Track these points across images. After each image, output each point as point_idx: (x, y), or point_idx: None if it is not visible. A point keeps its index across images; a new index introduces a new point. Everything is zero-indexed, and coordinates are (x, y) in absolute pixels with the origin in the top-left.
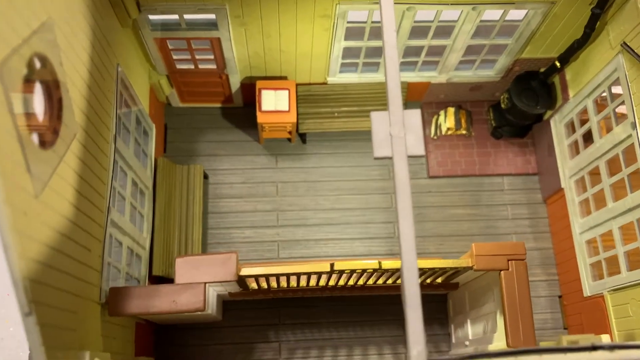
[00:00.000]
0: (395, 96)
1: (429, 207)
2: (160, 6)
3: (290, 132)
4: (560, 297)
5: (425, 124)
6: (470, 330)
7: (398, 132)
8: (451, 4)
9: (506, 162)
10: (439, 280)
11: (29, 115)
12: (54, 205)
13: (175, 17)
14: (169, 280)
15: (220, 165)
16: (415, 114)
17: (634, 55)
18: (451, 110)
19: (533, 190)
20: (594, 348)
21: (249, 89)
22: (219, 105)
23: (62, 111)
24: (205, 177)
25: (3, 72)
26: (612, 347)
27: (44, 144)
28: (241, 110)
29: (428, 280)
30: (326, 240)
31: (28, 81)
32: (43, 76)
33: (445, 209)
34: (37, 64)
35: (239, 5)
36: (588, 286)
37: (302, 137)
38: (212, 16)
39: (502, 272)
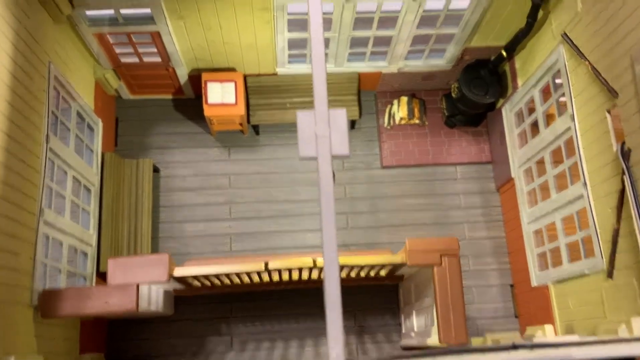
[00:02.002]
0: (321, 95)
1: (382, 198)
2: (93, 1)
3: (241, 124)
4: (512, 285)
5: (379, 113)
6: (415, 322)
7: (323, 131)
8: None
9: (460, 150)
10: (383, 273)
11: None
12: None
13: (112, 12)
14: None
15: (172, 158)
16: (341, 114)
17: (573, 46)
18: (404, 99)
19: (486, 179)
20: (514, 347)
21: (198, 81)
22: (169, 97)
23: None
24: (156, 170)
25: None
26: (532, 347)
27: None
28: (192, 102)
29: (372, 274)
30: (280, 232)
31: None
32: None
33: (399, 199)
34: None
35: None
36: (535, 276)
37: (256, 128)
38: (147, 10)
39: (434, 267)
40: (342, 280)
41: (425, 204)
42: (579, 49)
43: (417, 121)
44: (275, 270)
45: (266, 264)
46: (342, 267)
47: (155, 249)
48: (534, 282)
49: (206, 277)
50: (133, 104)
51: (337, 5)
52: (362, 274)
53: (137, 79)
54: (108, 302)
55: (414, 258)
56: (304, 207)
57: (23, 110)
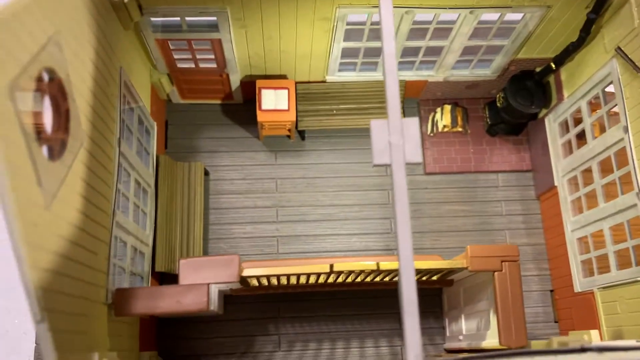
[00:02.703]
0: (394, 106)
1: (425, 203)
2: (162, 9)
3: (289, 130)
4: (552, 291)
5: (422, 120)
6: (464, 325)
7: (397, 140)
8: (449, 8)
9: (501, 159)
10: (435, 277)
11: (39, 129)
12: (63, 214)
13: (177, 19)
14: (171, 275)
15: (221, 161)
16: (413, 123)
17: (628, 60)
18: (447, 107)
19: (527, 187)
20: (582, 350)
21: (249, 87)
22: (219, 101)
23: (70, 122)
24: (206, 173)
25: (14, 91)
26: (600, 349)
27: (52, 156)
28: (241, 107)
29: (424, 278)
30: (324, 235)
31: (37, 96)
32: (51, 89)
33: (441, 205)
34: (46, 78)
35: (240, 9)
36: (579, 282)
37: (301, 134)
38: (213, 18)
39: (495, 273)
40: (392, 284)
41: (467, 211)
42: (634, 63)
43: (460, 129)
44: (338, 272)
45: (331, 266)
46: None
47: (205, 250)
48: (578, 288)
49: (269, 277)
50: (182, 108)
51: (396, 15)
52: (416, 277)
53: (190, 83)
54: (180, 302)
55: (476, 264)
56: (348, 212)
57: (102, 114)
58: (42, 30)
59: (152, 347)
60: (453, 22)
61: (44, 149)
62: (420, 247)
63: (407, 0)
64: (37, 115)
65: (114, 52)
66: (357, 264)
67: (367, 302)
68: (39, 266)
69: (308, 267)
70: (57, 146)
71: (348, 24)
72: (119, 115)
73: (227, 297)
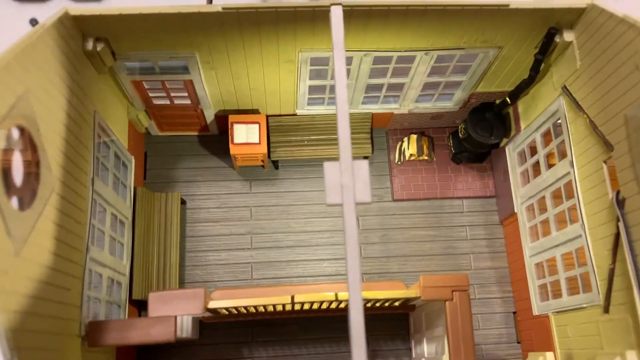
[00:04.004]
0: (345, 147)
1: (393, 229)
2: (133, 55)
3: (262, 161)
4: (514, 313)
5: (390, 149)
6: (426, 349)
7: (348, 181)
8: (404, 50)
9: (465, 185)
10: (397, 303)
11: (8, 183)
12: (34, 258)
13: (150, 63)
14: (147, 303)
15: (198, 190)
16: (363, 165)
17: (572, 99)
18: (414, 137)
19: (491, 212)
20: None
21: (224, 120)
22: (195, 133)
23: (40, 171)
24: (183, 202)
25: None
26: None
27: (22, 206)
28: (217, 138)
29: (387, 304)
30: (297, 261)
31: (7, 152)
32: (21, 144)
33: (408, 230)
34: (16, 135)
35: (208, 53)
36: (536, 306)
37: (275, 163)
38: (183, 63)
39: (447, 302)
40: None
41: (433, 235)
42: (577, 103)
43: (425, 157)
44: (299, 303)
45: (292, 297)
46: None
47: (182, 277)
48: (536, 311)
49: (235, 307)
50: (161, 140)
51: (356, 58)
52: (378, 304)
53: (167, 118)
54: (149, 333)
55: (428, 293)
56: (319, 238)
57: (74, 158)
58: (12, 92)
59: None
60: (411, 61)
61: (14, 200)
62: (387, 271)
63: (364, 44)
64: (6, 170)
65: (88, 96)
66: (316, 294)
67: (336, 325)
68: (9, 309)
69: (271, 299)
70: (27, 196)
71: (312, 64)
72: (93, 155)
73: (203, 323)
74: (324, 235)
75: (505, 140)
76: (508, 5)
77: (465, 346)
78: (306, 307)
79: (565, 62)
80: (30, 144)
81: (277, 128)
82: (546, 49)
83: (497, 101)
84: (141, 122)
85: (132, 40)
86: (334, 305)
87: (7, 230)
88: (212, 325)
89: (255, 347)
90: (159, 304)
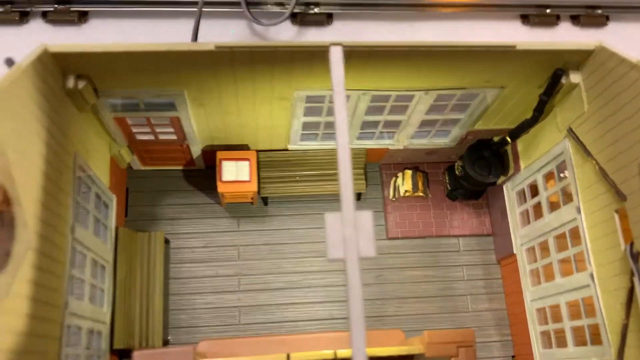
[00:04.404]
0: (348, 198)
1: (388, 269)
2: (117, 92)
3: (252, 198)
4: (513, 357)
5: (384, 185)
6: None
7: (350, 234)
8: (404, 90)
9: (462, 223)
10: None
11: None
12: (8, 326)
13: (134, 100)
14: (129, 351)
15: (182, 229)
16: (366, 216)
17: (579, 143)
18: (409, 173)
19: (487, 251)
20: None
21: (211, 155)
22: (180, 167)
23: (15, 230)
24: (167, 242)
25: None
26: None
27: None
28: (203, 173)
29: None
30: (287, 304)
31: None
32: None
33: (404, 270)
34: None
35: (197, 90)
36: (538, 354)
37: (264, 199)
38: (170, 99)
39: (452, 359)
40: None
41: (429, 276)
42: (585, 147)
43: (421, 194)
44: None
45: (288, 357)
46: None
47: (165, 322)
48: (537, 359)
49: None
50: (144, 174)
51: (353, 96)
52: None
53: (151, 152)
54: None
55: (432, 350)
56: (311, 279)
57: (52, 207)
58: None
59: None
60: (410, 100)
61: None
62: (382, 314)
63: (362, 84)
64: None
65: (68, 138)
66: (314, 352)
67: None
68: None
69: (264, 357)
70: (1, 257)
71: (307, 102)
72: (73, 200)
73: None
74: (316, 277)
75: (502, 178)
76: (514, 47)
77: None
78: None
79: (571, 103)
80: (4, 200)
81: (267, 163)
82: (551, 90)
83: (496, 139)
84: (123, 157)
85: (116, 78)
86: None
87: None
88: None
89: None
90: None
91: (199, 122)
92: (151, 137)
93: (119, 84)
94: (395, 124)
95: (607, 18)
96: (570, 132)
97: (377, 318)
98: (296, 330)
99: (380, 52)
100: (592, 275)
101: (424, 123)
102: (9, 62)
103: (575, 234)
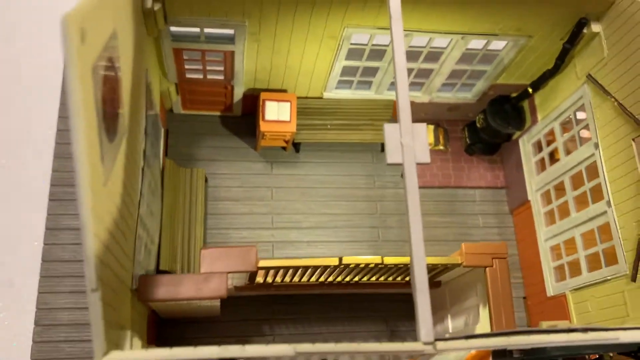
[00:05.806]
0: (405, 110)
1: None
2: (185, 20)
3: (287, 141)
4: (524, 298)
5: None
6: (451, 324)
7: (408, 141)
8: (444, 32)
9: (478, 176)
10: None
11: (105, 112)
12: (112, 194)
13: (196, 29)
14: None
15: (219, 169)
16: (422, 127)
17: (598, 86)
18: (431, 127)
19: (501, 202)
20: (570, 330)
21: (250, 100)
22: (218, 113)
23: (120, 110)
24: (205, 180)
25: (94, 75)
26: (585, 330)
27: (109, 137)
28: (239, 120)
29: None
30: (317, 242)
31: (105, 81)
32: (112, 79)
33: (424, 216)
34: (109, 68)
35: (258, 22)
36: (552, 287)
37: (296, 146)
38: (231, 31)
39: (487, 268)
40: (377, 285)
41: (447, 222)
42: (604, 88)
43: (441, 147)
44: (346, 265)
45: (340, 259)
46: (404, 266)
47: None
48: (551, 292)
49: (277, 272)
50: (182, 118)
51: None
52: (400, 278)
53: (194, 94)
54: (201, 289)
55: (470, 260)
56: (338, 220)
57: (135, 111)
58: (107, 26)
59: (152, 344)
60: (444, 48)
61: (104, 130)
62: (403, 254)
63: (407, 24)
64: (105, 99)
65: (142, 54)
66: (364, 258)
67: (356, 305)
68: (98, 237)
69: (319, 260)
70: (111, 129)
71: (352, 43)
72: (146, 113)
73: (222, 300)
74: (343, 218)
75: (518, 134)
76: None
77: (505, 311)
78: (340, 279)
79: (590, 52)
80: (116, 80)
81: (303, 110)
82: (575, 38)
83: (514, 94)
84: (170, 96)
85: (187, 3)
86: (373, 278)
87: (101, 157)
88: (233, 302)
89: (276, 324)
90: (211, 260)
91: (250, 59)
92: (200, 76)
93: (188, 10)
94: (427, 74)
95: None
96: (590, 78)
97: (399, 256)
98: None
99: None
100: (608, 202)
101: (452, 74)
102: None
103: (592, 170)
